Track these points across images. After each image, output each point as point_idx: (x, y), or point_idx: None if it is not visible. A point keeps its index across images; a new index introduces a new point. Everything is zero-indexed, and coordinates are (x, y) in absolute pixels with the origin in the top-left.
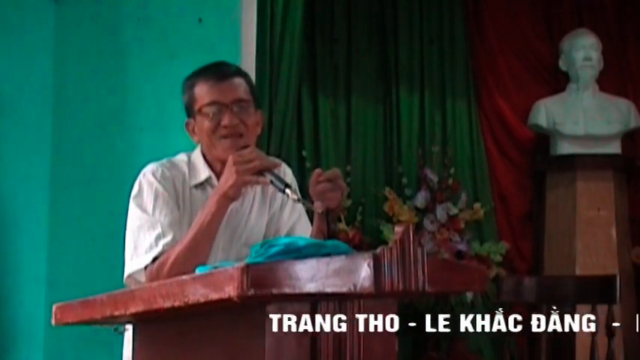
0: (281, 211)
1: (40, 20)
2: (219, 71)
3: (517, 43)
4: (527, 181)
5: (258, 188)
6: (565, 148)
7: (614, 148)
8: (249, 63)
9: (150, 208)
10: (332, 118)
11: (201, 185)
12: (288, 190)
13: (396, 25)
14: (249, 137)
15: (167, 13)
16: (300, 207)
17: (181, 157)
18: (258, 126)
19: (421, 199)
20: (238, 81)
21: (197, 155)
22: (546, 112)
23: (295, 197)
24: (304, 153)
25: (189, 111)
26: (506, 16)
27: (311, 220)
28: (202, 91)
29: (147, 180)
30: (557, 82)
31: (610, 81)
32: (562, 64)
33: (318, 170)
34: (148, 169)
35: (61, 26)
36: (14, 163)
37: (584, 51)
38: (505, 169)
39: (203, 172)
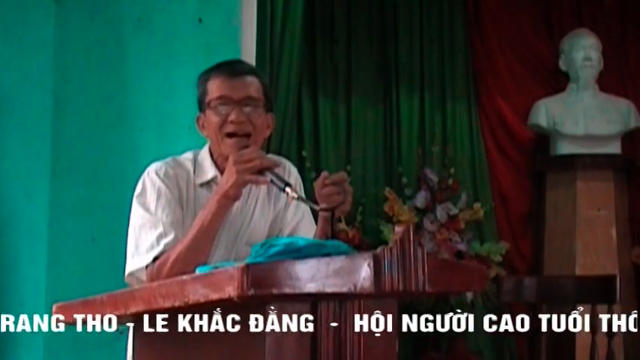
0: (285, 211)
1: (40, 20)
2: (233, 68)
3: (517, 44)
4: (527, 181)
5: (263, 187)
6: (565, 148)
7: (614, 148)
8: (249, 63)
9: (152, 207)
10: (332, 118)
11: (207, 184)
12: (288, 189)
13: (396, 25)
14: (256, 138)
15: (167, 13)
16: (304, 207)
17: (187, 156)
18: (268, 128)
19: (421, 199)
20: (251, 79)
21: (205, 153)
22: (546, 112)
23: (295, 195)
24: (304, 153)
25: (201, 105)
26: (506, 16)
27: (316, 221)
28: (214, 86)
29: (150, 179)
30: (557, 82)
31: (610, 81)
32: (562, 64)
33: (324, 173)
34: (152, 168)
35: (61, 26)
36: (14, 163)
37: (584, 51)
38: (505, 169)
39: (209, 171)
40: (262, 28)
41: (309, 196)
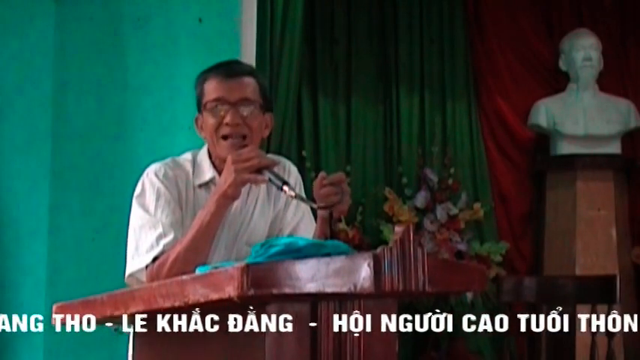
0: (285, 210)
1: (40, 20)
2: (230, 69)
3: (517, 43)
4: (527, 181)
5: (263, 187)
6: (565, 148)
7: (614, 148)
8: (249, 63)
9: (152, 207)
10: (332, 118)
11: (206, 185)
12: (285, 187)
13: (396, 25)
14: (252, 139)
15: (167, 13)
16: (304, 207)
17: (186, 157)
18: (267, 129)
19: (421, 199)
20: (248, 80)
21: (203, 154)
22: (546, 112)
23: (293, 194)
24: (304, 153)
25: (199, 106)
26: (506, 16)
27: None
28: (210, 87)
29: (149, 180)
30: (557, 82)
31: (610, 81)
32: (562, 64)
33: (322, 174)
34: (151, 169)
35: (61, 26)
36: (14, 163)
37: (584, 51)
38: (505, 169)
39: (208, 172)
40: (262, 28)
41: (310, 197)
